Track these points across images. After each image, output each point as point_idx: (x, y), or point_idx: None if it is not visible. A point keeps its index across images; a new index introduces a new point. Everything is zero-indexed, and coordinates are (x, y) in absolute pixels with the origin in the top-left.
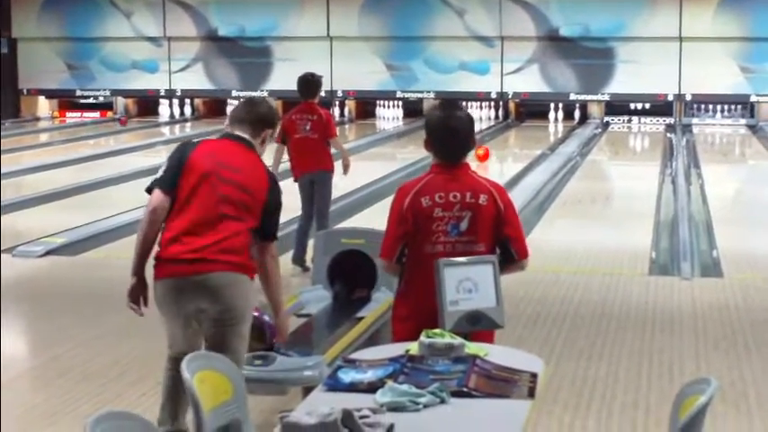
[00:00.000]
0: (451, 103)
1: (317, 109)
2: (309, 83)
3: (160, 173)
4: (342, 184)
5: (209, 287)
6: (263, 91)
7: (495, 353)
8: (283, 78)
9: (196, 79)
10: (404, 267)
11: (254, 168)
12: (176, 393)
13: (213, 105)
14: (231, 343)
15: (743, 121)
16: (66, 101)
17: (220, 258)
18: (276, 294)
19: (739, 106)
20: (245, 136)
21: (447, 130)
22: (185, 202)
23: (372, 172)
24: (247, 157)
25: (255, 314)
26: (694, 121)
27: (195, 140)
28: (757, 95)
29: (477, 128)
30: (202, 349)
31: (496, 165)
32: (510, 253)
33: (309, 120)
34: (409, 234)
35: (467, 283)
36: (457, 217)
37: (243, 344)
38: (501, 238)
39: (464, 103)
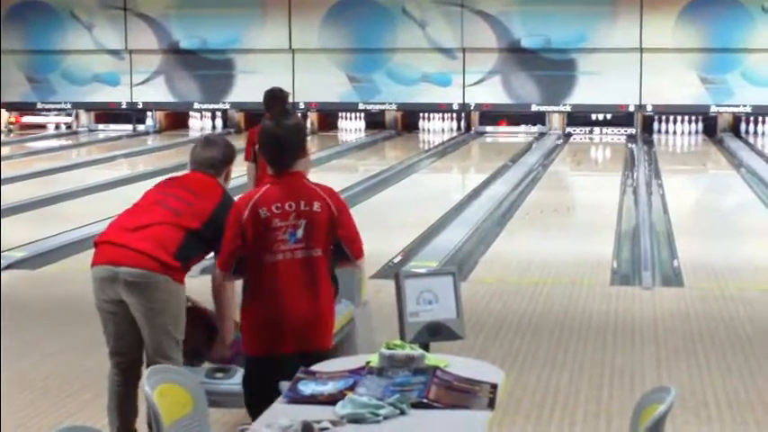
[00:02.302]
0: (284, 112)
1: None
2: (276, 98)
3: None
4: None
5: (126, 280)
6: (224, 103)
7: (456, 364)
8: (245, 91)
9: (158, 92)
10: (247, 278)
11: (210, 186)
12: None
13: (175, 118)
14: (155, 337)
15: None
16: (28, 114)
17: (140, 248)
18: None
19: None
20: (210, 172)
21: (273, 138)
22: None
23: (334, 184)
24: (205, 179)
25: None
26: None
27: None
28: (717, 106)
29: (438, 139)
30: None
31: (458, 176)
32: (345, 253)
33: None
34: (247, 246)
35: (427, 294)
36: (293, 225)
37: (168, 339)
38: (336, 240)
39: (427, 115)
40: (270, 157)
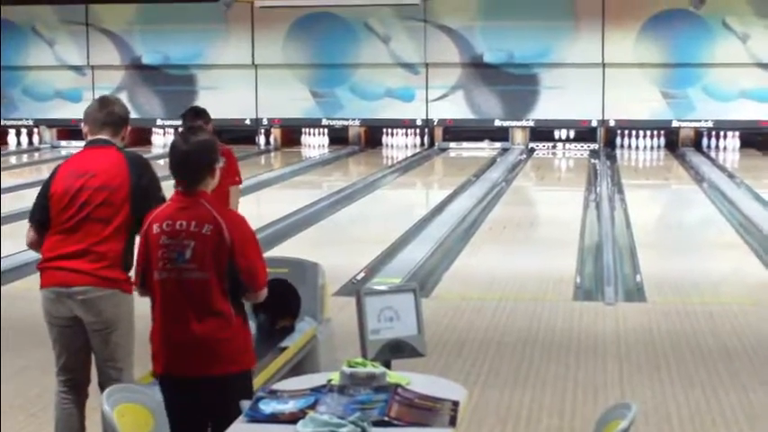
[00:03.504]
0: (194, 128)
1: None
2: (196, 114)
3: (32, 206)
4: (266, 211)
5: (78, 299)
6: None
7: (418, 381)
8: (208, 107)
9: None
10: None
11: (112, 165)
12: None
13: (138, 134)
14: (108, 350)
15: None
16: None
17: (84, 269)
18: None
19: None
20: (105, 137)
21: (177, 155)
22: (55, 222)
23: (298, 200)
24: (106, 158)
25: None
26: None
27: (59, 164)
28: (679, 121)
29: (402, 155)
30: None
31: (421, 191)
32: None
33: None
34: (147, 261)
35: (388, 311)
36: (182, 245)
37: (121, 351)
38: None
39: (390, 130)
40: (174, 175)
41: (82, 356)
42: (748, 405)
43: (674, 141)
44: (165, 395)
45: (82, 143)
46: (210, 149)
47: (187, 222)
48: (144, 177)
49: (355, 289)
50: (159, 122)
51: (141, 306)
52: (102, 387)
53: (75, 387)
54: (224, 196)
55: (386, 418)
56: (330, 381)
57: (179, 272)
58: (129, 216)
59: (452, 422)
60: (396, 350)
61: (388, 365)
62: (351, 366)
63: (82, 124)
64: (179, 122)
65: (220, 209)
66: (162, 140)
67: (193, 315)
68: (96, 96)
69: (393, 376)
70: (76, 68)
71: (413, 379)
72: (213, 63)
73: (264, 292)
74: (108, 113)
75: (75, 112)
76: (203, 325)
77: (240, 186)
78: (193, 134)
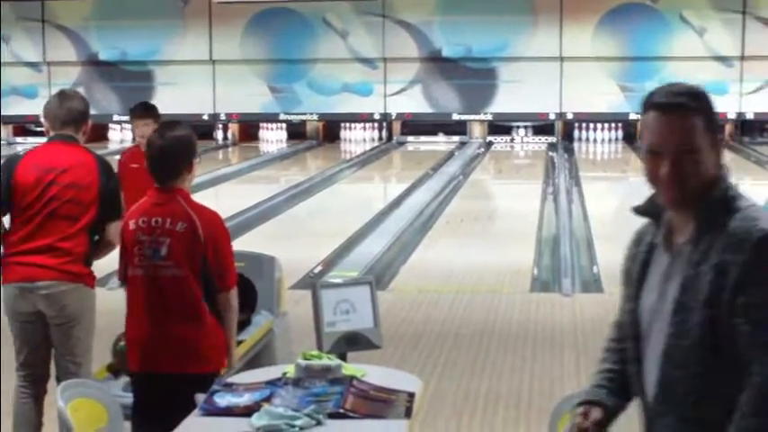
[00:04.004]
0: (171, 123)
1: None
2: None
3: None
4: (224, 206)
5: (41, 294)
6: None
7: (373, 373)
8: (166, 103)
9: None
10: None
11: (81, 163)
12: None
13: (94, 130)
14: (69, 344)
15: None
16: None
17: (49, 264)
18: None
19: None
20: (69, 133)
21: (153, 151)
22: (19, 215)
23: (256, 194)
24: (74, 155)
25: None
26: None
27: (21, 153)
28: (636, 113)
29: (360, 149)
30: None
31: (379, 185)
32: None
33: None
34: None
35: (344, 304)
36: (157, 242)
37: (81, 345)
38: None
39: (348, 125)
40: (150, 170)
41: (42, 352)
42: None
43: (631, 134)
44: (136, 391)
45: (38, 140)
46: (187, 145)
47: (162, 219)
48: (111, 180)
49: (312, 282)
50: (116, 118)
51: (98, 303)
52: (60, 381)
53: (34, 382)
54: None
55: (341, 410)
56: (285, 373)
57: (155, 268)
58: (96, 216)
59: (408, 413)
60: (352, 342)
61: (344, 358)
62: (306, 359)
63: (42, 120)
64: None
65: (195, 206)
66: (119, 136)
67: (167, 312)
68: (53, 92)
69: (348, 368)
70: (32, 65)
71: (368, 371)
72: (171, 59)
73: (234, 294)
74: (68, 110)
75: (31, 108)
76: (177, 323)
77: None
78: (170, 129)
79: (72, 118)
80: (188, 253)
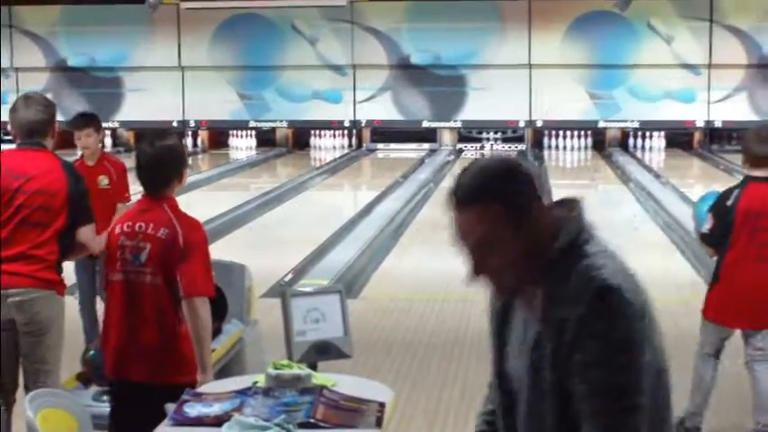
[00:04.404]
0: (161, 132)
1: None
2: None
3: None
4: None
5: (14, 301)
6: (113, 122)
7: (344, 383)
8: (135, 109)
9: None
10: None
11: (49, 170)
12: None
13: (63, 137)
14: (40, 352)
15: None
16: None
17: (22, 271)
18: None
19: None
20: (37, 139)
21: (143, 159)
22: None
23: (226, 202)
24: (42, 162)
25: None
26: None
27: None
28: (605, 121)
29: (330, 156)
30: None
31: (350, 193)
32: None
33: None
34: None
35: (314, 313)
36: (138, 247)
37: (51, 353)
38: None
39: (318, 132)
40: (138, 177)
41: (12, 361)
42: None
43: (600, 141)
44: (113, 399)
45: (5, 147)
46: (178, 154)
47: (145, 224)
48: (80, 185)
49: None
50: None
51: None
52: (29, 391)
53: (3, 392)
54: (111, 213)
55: (311, 420)
56: (255, 383)
57: (134, 274)
58: (65, 222)
59: (378, 423)
60: (322, 351)
61: (314, 367)
62: (276, 368)
63: (9, 127)
64: (105, 125)
65: (180, 214)
66: None
67: (142, 320)
68: None
69: (319, 378)
70: (0, 71)
71: (339, 380)
72: (139, 65)
73: (200, 303)
74: (34, 115)
75: None
76: (152, 331)
77: (128, 203)
78: (160, 138)
79: (39, 124)
80: (166, 260)
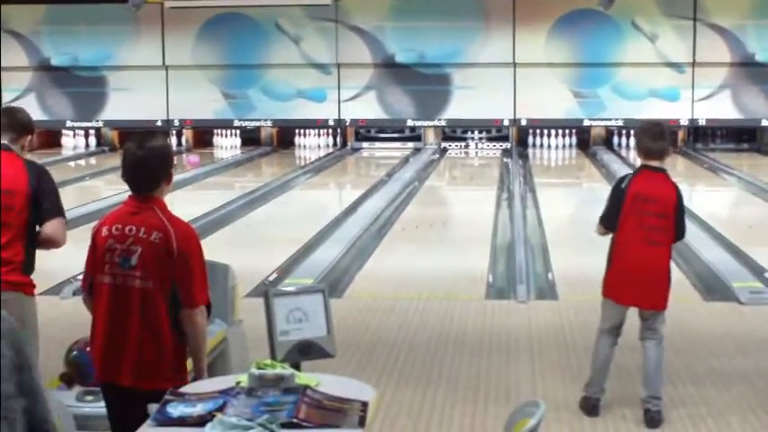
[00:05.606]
0: (149, 133)
1: None
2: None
3: None
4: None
5: None
6: (98, 121)
7: (327, 383)
8: (119, 108)
9: (29, 110)
10: None
11: (10, 169)
12: None
13: (47, 137)
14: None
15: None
16: None
17: None
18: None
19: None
20: (5, 142)
21: (130, 161)
22: None
23: (210, 201)
24: (5, 162)
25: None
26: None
27: None
28: (590, 120)
29: (314, 155)
30: None
31: (334, 192)
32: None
33: None
34: (93, 265)
35: (297, 312)
36: (128, 251)
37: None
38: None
39: (302, 131)
40: (125, 178)
41: None
42: None
43: (585, 140)
44: (105, 402)
45: None
46: (166, 156)
47: (136, 228)
48: (42, 182)
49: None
50: (69, 124)
51: (48, 312)
52: None
53: None
54: None
55: (295, 420)
56: (239, 383)
57: (123, 277)
58: (28, 221)
59: (362, 423)
60: (305, 351)
61: (297, 367)
62: (259, 368)
63: None
64: (89, 124)
65: (172, 218)
66: (72, 142)
67: (130, 324)
68: (4, 98)
69: (302, 378)
70: None
71: (322, 380)
72: (123, 64)
73: (200, 312)
74: (9, 119)
75: None
76: (139, 336)
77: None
78: (148, 139)
79: (10, 127)
80: (158, 265)
